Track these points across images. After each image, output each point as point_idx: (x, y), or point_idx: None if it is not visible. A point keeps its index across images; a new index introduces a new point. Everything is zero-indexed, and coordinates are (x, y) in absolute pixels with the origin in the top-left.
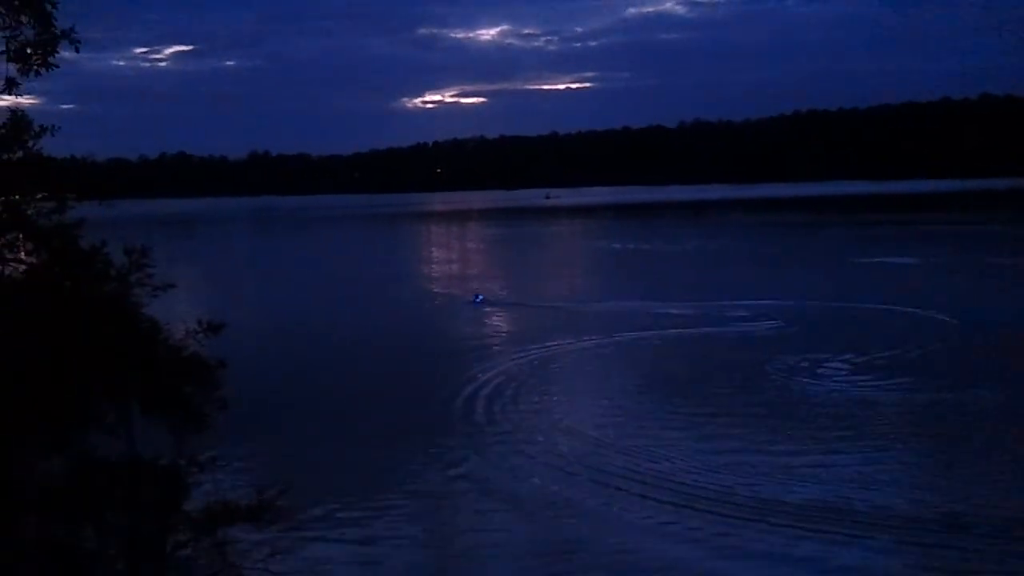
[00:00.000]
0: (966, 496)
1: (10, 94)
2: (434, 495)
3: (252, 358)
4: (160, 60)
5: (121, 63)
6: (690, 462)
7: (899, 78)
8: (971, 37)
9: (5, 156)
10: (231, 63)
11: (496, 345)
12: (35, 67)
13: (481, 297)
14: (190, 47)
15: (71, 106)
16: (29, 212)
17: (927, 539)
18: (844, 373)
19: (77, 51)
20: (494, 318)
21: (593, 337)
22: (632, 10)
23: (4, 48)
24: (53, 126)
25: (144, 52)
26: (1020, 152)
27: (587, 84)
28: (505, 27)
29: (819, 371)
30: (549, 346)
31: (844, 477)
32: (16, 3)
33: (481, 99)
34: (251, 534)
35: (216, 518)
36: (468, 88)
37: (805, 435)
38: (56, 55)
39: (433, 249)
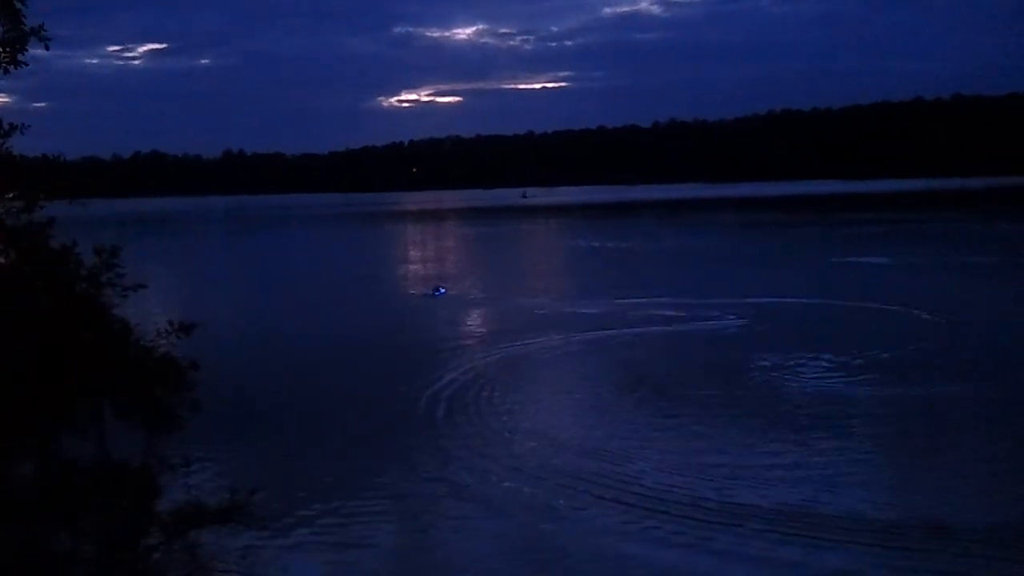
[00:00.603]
0: (949, 499)
1: None
2: (405, 498)
3: (223, 359)
4: (133, 58)
5: (94, 61)
6: (660, 463)
7: (872, 78)
8: (944, 38)
9: None
10: (205, 61)
11: (467, 343)
12: (3, 65)
13: (443, 291)
14: (164, 45)
15: (43, 104)
16: None
17: (910, 544)
18: (818, 371)
19: (47, 48)
20: (468, 316)
21: (560, 335)
22: (608, 10)
23: None
24: (23, 124)
25: (117, 50)
26: (991, 151)
27: (563, 83)
28: (481, 26)
29: (793, 369)
30: (523, 344)
31: (822, 479)
32: None
33: (457, 98)
34: (223, 536)
35: (188, 520)
36: (444, 87)
37: (781, 436)
38: (26, 53)
39: (407, 248)
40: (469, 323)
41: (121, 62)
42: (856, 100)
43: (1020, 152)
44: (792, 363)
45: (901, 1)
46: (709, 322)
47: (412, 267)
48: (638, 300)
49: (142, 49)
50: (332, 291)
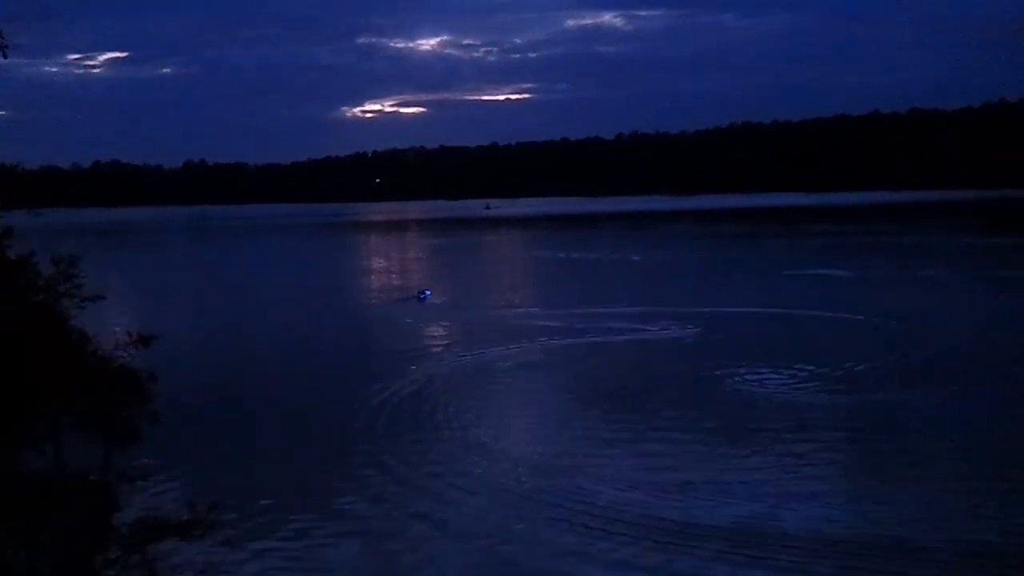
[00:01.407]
0: (912, 518)
1: None
2: (363, 515)
3: (186, 370)
4: (94, 67)
5: (54, 69)
6: (616, 478)
7: (831, 92)
8: (900, 53)
9: None
10: (167, 71)
11: (427, 352)
12: None
13: (428, 293)
14: (125, 54)
15: (1, 113)
16: None
17: (874, 565)
18: (776, 381)
19: (5, 56)
20: (429, 325)
21: (519, 344)
22: (571, 22)
23: None
24: None
25: (78, 58)
26: (946, 165)
27: (526, 95)
28: (445, 37)
29: (743, 378)
30: (483, 352)
31: (780, 495)
32: None
33: (421, 109)
34: (183, 550)
35: (147, 534)
36: (408, 98)
37: (737, 449)
38: None
39: (371, 259)
40: (431, 332)
41: (81, 71)
42: (816, 113)
43: (974, 165)
44: (744, 373)
45: (858, 17)
46: (667, 332)
47: (378, 277)
48: (597, 310)
49: (103, 57)
50: (299, 302)
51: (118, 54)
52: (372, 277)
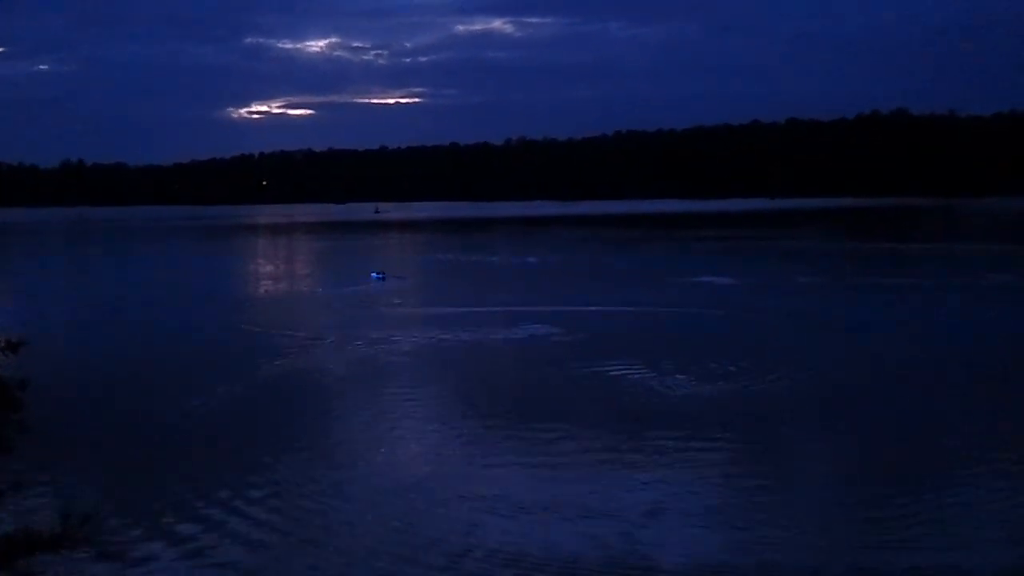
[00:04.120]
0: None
1: None
2: (253, 522)
3: (60, 378)
4: None
5: None
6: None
7: (714, 101)
8: (778, 64)
9: None
10: (44, 67)
11: (288, 348)
12: None
13: (382, 275)
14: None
15: None
16: None
17: None
18: (655, 379)
19: None
20: (295, 325)
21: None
22: (461, 27)
23: None
24: None
25: None
26: (823, 173)
27: (416, 99)
28: (334, 39)
29: (613, 375)
30: (368, 346)
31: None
32: None
33: (309, 111)
34: (54, 565)
35: (15, 548)
36: (295, 100)
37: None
38: None
39: (257, 261)
40: (296, 333)
41: None
42: (698, 121)
43: (847, 172)
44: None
45: (738, 28)
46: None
47: (253, 279)
48: (462, 310)
49: None
50: (185, 305)
51: None
52: (248, 279)
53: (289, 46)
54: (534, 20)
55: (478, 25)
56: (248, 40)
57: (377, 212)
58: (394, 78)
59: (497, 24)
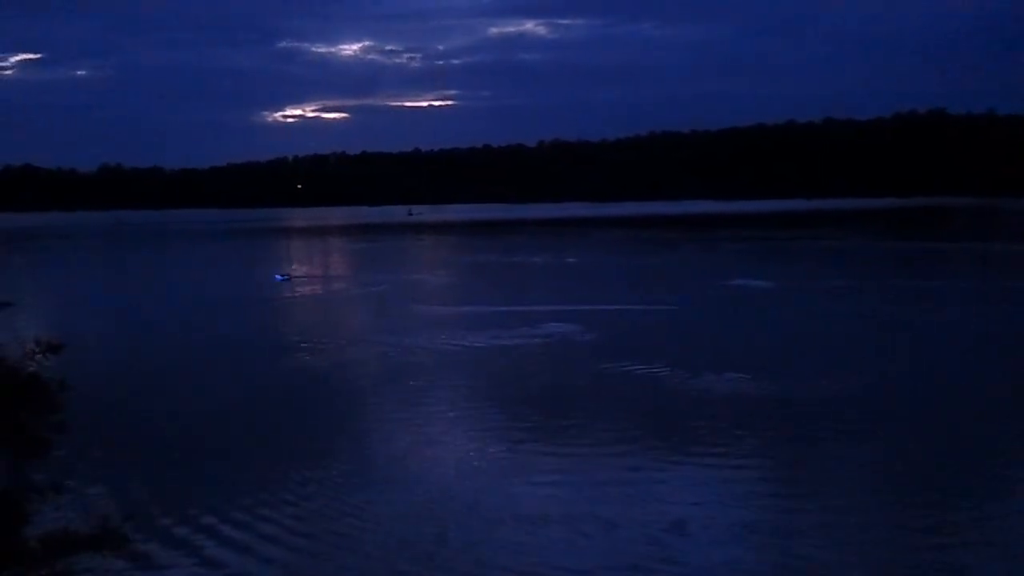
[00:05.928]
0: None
1: None
2: (283, 527)
3: (96, 379)
4: (5, 68)
5: None
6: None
7: (749, 101)
8: (813, 64)
9: None
10: (82, 73)
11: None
12: None
13: (285, 276)
14: (37, 55)
15: None
16: None
17: None
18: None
19: None
20: (345, 320)
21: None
22: (494, 30)
23: None
24: None
25: None
26: (861, 173)
27: (449, 102)
28: (367, 43)
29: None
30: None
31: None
32: None
33: (343, 114)
34: (95, 565)
35: (56, 548)
36: (329, 103)
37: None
38: None
39: (293, 264)
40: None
41: None
42: (733, 122)
43: (887, 173)
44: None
45: (773, 28)
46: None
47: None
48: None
49: (15, 59)
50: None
51: (31, 56)
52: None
53: (322, 50)
54: (567, 22)
55: (511, 27)
56: (282, 44)
57: (410, 215)
58: (427, 81)
59: (530, 26)
